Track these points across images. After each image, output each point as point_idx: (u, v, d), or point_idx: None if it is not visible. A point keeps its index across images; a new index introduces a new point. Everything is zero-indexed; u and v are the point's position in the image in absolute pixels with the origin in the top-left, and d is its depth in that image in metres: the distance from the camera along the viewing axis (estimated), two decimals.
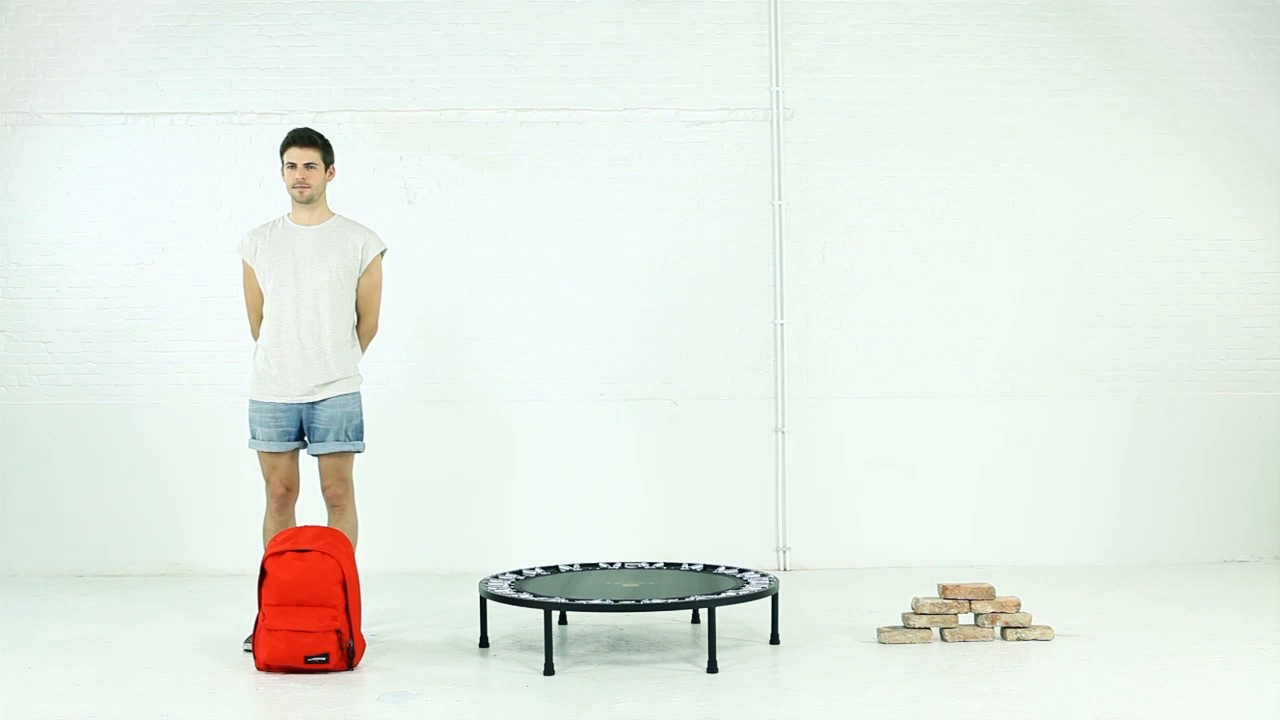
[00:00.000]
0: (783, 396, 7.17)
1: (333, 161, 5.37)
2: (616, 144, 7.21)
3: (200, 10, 7.17)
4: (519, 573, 5.45)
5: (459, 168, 7.19)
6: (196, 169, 7.17)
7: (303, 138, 5.26)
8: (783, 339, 7.19)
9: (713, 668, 4.72)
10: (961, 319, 7.23)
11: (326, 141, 5.34)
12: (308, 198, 5.27)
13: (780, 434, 7.16)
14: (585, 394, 7.17)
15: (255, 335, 5.40)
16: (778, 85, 7.21)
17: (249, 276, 5.36)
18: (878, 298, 7.22)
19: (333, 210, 5.47)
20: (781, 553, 7.13)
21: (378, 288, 5.41)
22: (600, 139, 7.21)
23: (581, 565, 5.67)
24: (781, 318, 7.19)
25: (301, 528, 4.99)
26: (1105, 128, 7.28)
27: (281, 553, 4.78)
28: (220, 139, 7.18)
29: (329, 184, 5.41)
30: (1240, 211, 7.30)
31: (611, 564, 5.70)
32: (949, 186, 7.24)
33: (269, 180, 7.09)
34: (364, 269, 5.34)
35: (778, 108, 7.21)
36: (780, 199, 7.20)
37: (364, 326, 5.41)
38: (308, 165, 5.24)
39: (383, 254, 5.41)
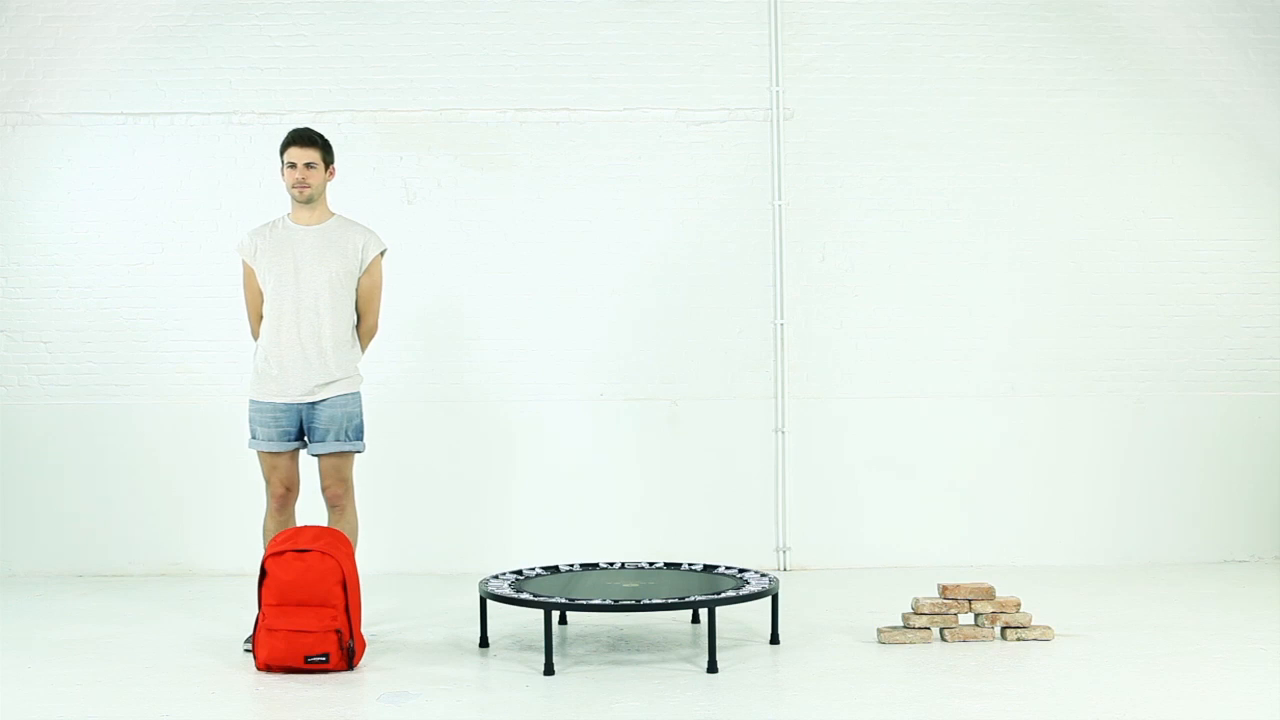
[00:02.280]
0: (783, 396, 7.17)
1: (333, 161, 5.37)
2: (616, 144, 7.21)
3: (200, 10, 7.17)
4: (519, 573, 5.45)
5: (459, 168, 7.19)
6: (196, 169, 7.17)
7: (303, 137, 5.26)
8: (783, 339, 7.19)
9: (713, 668, 4.72)
10: (961, 319, 7.23)
11: (326, 141, 5.34)
12: (307, 197, 5.27)
13: (780, 434, 7.16)
14: (585, 394, 7.17)
15: (255, 335, 5.40)
16: (778, 85, 7.21)
17: (249, 276, 5.36)
18: (878, 298, 7.22)
19: (333, 210, 5.47)
20: (781, 553, 7.13)
21: (378, 288, 5.40)
22: (600, 139, 7.21)
23: (581, 565, 5.67)
24: (781, 318, 7.19)
25: (301, 528, 4.99)
26: (1105, 128, 7.28)
27: (281, 553, 4.78)
28: (220, 139, 7.18)
29: (329, 184, 5.42)
30: (1240, 211, 7.30)
31: (611, 564, 5.70)
32: (949, 186, 7.24)
33: (269, 180, 7.09)
34: (364, 269, 5.34)
35: (778, 108, 7.21)
36: (780, 199, 7.20)
37: (364, 326, 5.41)
38: (308, 165, 5.24)
39: (383, 254, 5.41)
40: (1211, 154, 7.29)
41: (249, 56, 7.18)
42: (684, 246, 7.21)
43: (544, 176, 7.21)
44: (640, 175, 7.21)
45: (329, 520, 5.36)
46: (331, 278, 5.26)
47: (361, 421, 5.34)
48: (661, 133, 7.22)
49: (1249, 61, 7.29)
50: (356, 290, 5.34)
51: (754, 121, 7.23)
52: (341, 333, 5.29)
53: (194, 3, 7.17)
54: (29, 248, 7.16)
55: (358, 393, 5.34)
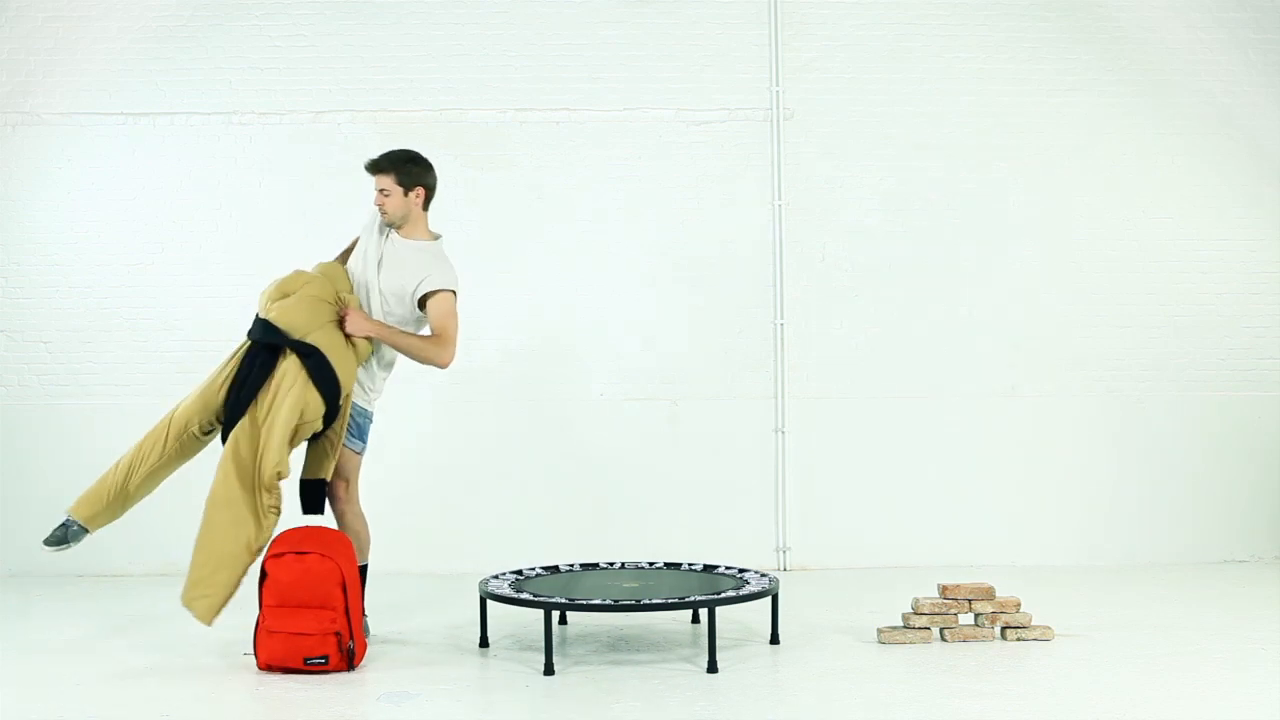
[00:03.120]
0: (783, 396, 7.17)
1: (416, 183, 5.15)
2: (616, 144, 7.21)
3: (200, 10, 7.17)
4: (519, 573, 5.45)
5: (459, 168, 7.18)
6: (196, 169, 7.17)
7: (373, 164, 5.17)
8: (783, 339, 7.19)
9: (713, 668, 4.72)
10: (961, 319, 7.22)
11: (403, 165, 5.14)
12: (388, 221, 5.20)
13: (780, 434, 7.16)
14: (585, 394, 7.17)
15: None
16: (778, 85, 7.21)
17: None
18: (878, 298, 7.22)
19: (436, 234, 5.28)
20: (781, 553, 7.13)
21: (440, 316, 5.16)
22: (600, 139, 7.21)
23: (581, 565, 5.67)
24: (781, 318, 7.19)
25: (303, 529, 4.98)
26: (1105, 128, 7.28)
27: (281, 554, 4.78)
28: (220, 139, 7.18)
29: (428, 204, 5.24)
30: (1240, 211, 7.30)
31: (611, 564, 5.70)
32: (948, 186, 7.24)
33: (269, 180, 7.10)
34: (416, 300, 5.18)
35: (778, 108, 7.21)
36: (780, 199, 7.20)
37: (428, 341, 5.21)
38: (381, 191, 5.16)
39: (445, 291, 5.16)
40: (1211, 154, 7.29)
41: (249, 56, 7.18)
42: (684, 247, 7.21)
43: (544, 176, 7.21)
44: (640, 175, 7.21)
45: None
46: (385, 291, 5.17)
47: (359, 426, 5.25)
48: (661, 133, 7.22)
49: (1249, 61, 7.29)
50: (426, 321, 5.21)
51: (754, 121, 7.23)
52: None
53: (194, 3, 7.17)
54: (29, 248, 7.16)
55: (356, 404, 5.22)
